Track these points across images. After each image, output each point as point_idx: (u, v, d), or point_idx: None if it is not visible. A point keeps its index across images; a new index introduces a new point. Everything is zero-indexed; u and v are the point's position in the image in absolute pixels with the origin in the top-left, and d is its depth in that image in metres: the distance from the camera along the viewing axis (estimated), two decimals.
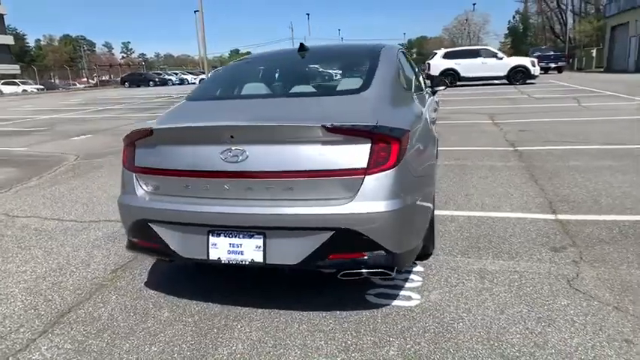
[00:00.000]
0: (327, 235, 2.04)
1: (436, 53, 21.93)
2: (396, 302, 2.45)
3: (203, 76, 35.54)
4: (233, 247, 2.16)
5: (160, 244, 2.30)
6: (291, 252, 2.10)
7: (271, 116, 2.34)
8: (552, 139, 6.85)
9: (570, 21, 49.45)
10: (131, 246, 2.51)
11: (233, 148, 2.11)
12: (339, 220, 2.02)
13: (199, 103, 2.85)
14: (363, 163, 2.03)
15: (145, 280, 2.88)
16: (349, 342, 2.12)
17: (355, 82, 2.66)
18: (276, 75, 3.39)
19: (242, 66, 3.61)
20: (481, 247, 3.11)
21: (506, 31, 72.22)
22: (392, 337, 2.14)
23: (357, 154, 2.03)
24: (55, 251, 3.44)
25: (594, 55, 37.31)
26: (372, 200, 2.02)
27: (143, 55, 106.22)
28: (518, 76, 19.90)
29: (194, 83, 43.63)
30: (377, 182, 2.03)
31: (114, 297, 2.68)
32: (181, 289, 2.72)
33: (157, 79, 45.67)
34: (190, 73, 55.86)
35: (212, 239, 2.19)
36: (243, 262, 2.15)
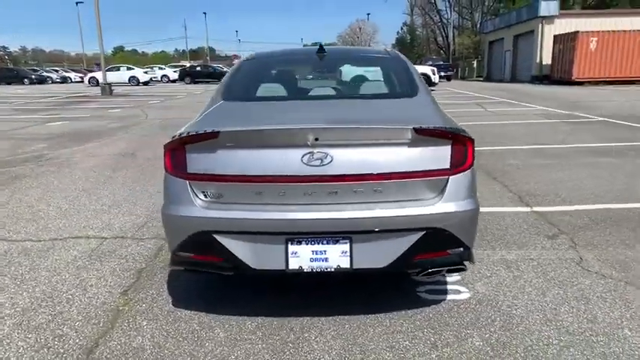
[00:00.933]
0: (418, 235, 2.05)
1: None
2: (450, 297, 2.54)
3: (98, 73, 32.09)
4: (316, 254, 2.05)
5: (226, 256, 2.08)
6: (380, 255, 2.06)
7: (348, 118, 2.28)
8: (489, 140, 7.58)
9: (452, 34, 55.00)
10: (179, 262, 2.22)
11: (316, 151, 2.00)
12: (430, 220, 2.04)
13: (255, 104, 2.66)
14: (446, 164, 2.08)
15: (170, 299, 2.57)
16: (432, 339, 2.15)
17: (402, 86, 2.72)
18: (315, 76, 3.30)
19: (269, 65, 3.44)
20: (489, 239, 3.35)
21: (394, 41, 78.03)
22: (468, 329, 2.22)
23: (440, 156, 2.08)
24: (28, 277, 2.89)
25: (475, 65, 42.11)
26: (456, 200, 2.09)
27: (4, 48, 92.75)
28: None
29: (81, 81, 39.50)
30: (459, 182, 2.10)
31: (144, 322, 2.35)
32: (216, 304, 2.49)
33: (33, 77, 40.31)
34: (73, 71, 50.32)
35: (292, 248, 2.05)
36: (328, 270, 2.05)
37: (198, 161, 2.11)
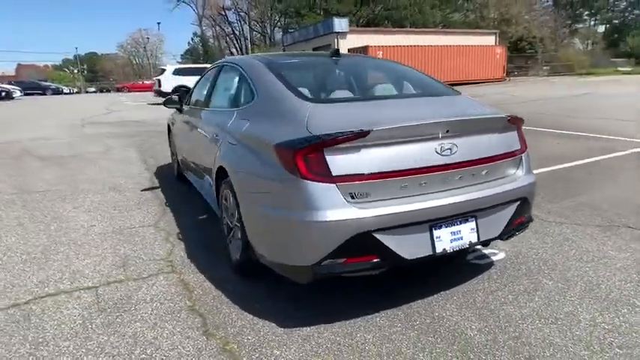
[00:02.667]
0: (515, 205, 2.49)
1: (165, 69, 21.60)
2: (495, 258, 3.05)
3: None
4: (454, 234, 2.27)
5: (383, 253, 2.10)
6: (495, 226, 2.42)
7: (457, 112, 2.55)
8: None
9: (247, 46, 57.34)
10: (325, 271, 2.11)
11: (446, 142, 2.23)
12: (521, 192, 2.51)
13: (349, 105, 2.62)
14: (518, 145, 2.59)
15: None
16: (505, 295, 2.58)
17: (440, 85, 3.10)
18: (362, 78, 3.28)
19: (310, 68, 3.41)
20: None
21: (184, 52, 76.66)
22: (528, 273, 2.78)
23: (513, 139, 2.58)
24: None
25: None
26: (529, 173, 2.62)
27: None
28: None
29: None
30: (526, 159, 2.64)
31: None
32: (271, 311, 2.41)
33: None
34: None
35: (436, 233, 2.22)
36: (464, 247, 2.30)
37: (342, 163, 2.07)
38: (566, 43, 50.78)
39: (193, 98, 4.45)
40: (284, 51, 42.41)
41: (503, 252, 3.16)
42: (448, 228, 2.27)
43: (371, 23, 46.54)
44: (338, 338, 2.20)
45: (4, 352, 2.15)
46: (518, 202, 2.51)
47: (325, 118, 2.27)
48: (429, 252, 2.22)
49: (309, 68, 3.48)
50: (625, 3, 56.95)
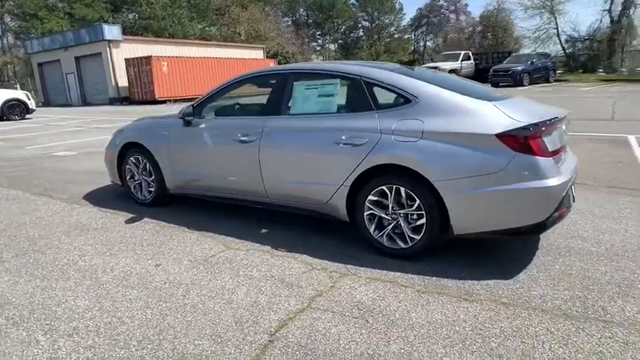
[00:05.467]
0: None
1: None
2: None
3: None
4: (573, 193, 3.41)
5: (568, 202, 3.11)
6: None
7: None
8: None
9: None
10: (553, 220, 2.98)
11: (564, 130, 3.36)
12: None
13: (508, 103, 3.31)
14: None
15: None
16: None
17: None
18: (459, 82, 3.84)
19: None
20: None
21: None
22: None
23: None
24: None
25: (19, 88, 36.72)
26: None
27: None
28: (15, 110, 17.85)
29: None
30: None
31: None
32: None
33: None
34: None
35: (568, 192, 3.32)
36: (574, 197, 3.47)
37: (547, 142, 2.95)
38: (307, 58, 59.88)
39: (227, 109, 4.25)
40: (30, 59, 35.13)
41: None
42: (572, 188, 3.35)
43: (128, 32, 43.26)
44: None
45: None
46: None
47: (514, 112, 3.05)
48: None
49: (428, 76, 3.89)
50: (343, 27, 70.91)
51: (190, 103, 4.39)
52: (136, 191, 5.00)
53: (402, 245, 3.29)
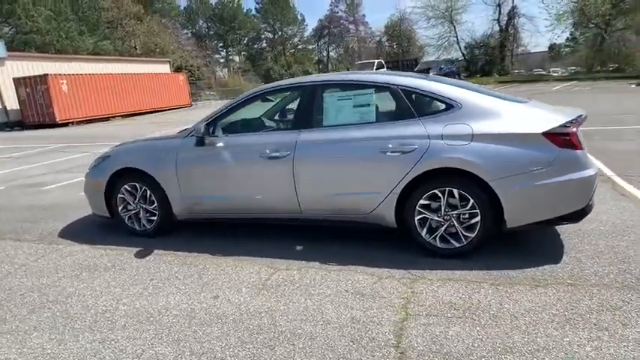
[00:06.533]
0: None
1: None
2: None
3: None
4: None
5: None
6: None
7: None
8: None
9: None
10: (591, 206, 3.35)
11: None
12: None
13: (531, 104, 3.63)
14: None
15: None
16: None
17: None
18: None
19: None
20: None
21: None
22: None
23: None
24: None
25: None
26: None
27: None
28: None
29: None
30: None
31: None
32: None
33: None
34: None
35: None
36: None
37: (578, 137, 3.34)
38: (213, 70, 58.77)
39: (244, 125, 4.08)
40: None
41: None
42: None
43: (7, 48, 38.31)
44: None
45: None
46: None
47: (550, 112, 3.41)
48: None
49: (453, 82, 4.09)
50: (246, 39, 70.66)
51: (200, 121, 4.14)
52: (131, 222, 4.55)
53: (457, 244, 3.47)
